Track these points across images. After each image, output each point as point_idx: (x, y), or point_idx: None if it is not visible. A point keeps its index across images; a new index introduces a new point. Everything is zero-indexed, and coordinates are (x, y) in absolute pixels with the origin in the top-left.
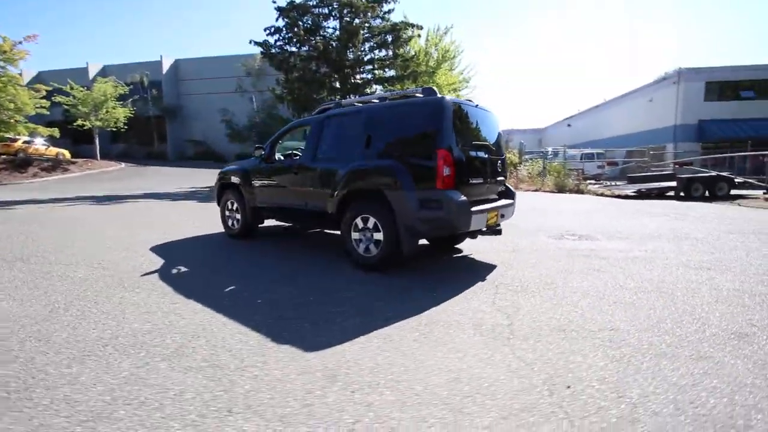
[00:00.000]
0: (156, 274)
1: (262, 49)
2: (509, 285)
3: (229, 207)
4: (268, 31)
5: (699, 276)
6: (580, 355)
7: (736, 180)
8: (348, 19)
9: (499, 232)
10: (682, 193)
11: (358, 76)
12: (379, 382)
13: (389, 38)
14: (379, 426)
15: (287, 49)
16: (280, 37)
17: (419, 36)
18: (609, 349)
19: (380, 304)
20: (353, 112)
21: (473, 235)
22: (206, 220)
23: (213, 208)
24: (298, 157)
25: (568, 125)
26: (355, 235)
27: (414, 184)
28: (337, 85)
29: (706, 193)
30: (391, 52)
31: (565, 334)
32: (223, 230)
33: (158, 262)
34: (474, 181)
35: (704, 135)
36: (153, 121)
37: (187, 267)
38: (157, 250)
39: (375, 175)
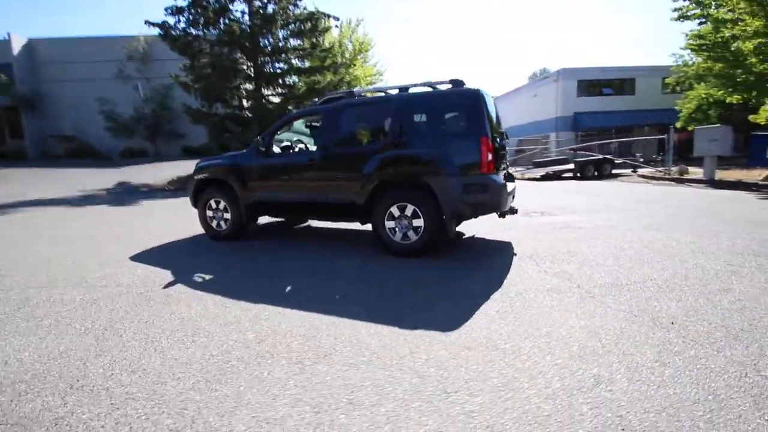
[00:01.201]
0: (177, 285)
1: (161, 31)
2: (539, 256)
3: (213, 206)
4: (168, 11)
5: (661, 234)
6: (655, 300)
7: (616, 161)
8: (258, 2)
9: (515, 211)
10: (578, 174)
11: (277, 65)
12: (528, 345)
13: (306, 27)
14: (570, 371)
15: (192, 32)
16: (183, 18)
17: (337, 27)
18: (666, 294)
19: (457, 285)
20: (380, 101)
21: (503, 214)
22: (155, 226)
23: (151, 212)
24: (306, 148)
25: None
26: (389, 224)
27: (458, 171)
28: (252, 73)
29: (596, 173)
30: (308, 42)
31: (626, 287)
32: (203, 233)
33: (161, 273)
34: (500, 166)
35: (578, 125)
36: (1, 113)
37: (205, 273)
38: (143, 259)
39: (416, 163)
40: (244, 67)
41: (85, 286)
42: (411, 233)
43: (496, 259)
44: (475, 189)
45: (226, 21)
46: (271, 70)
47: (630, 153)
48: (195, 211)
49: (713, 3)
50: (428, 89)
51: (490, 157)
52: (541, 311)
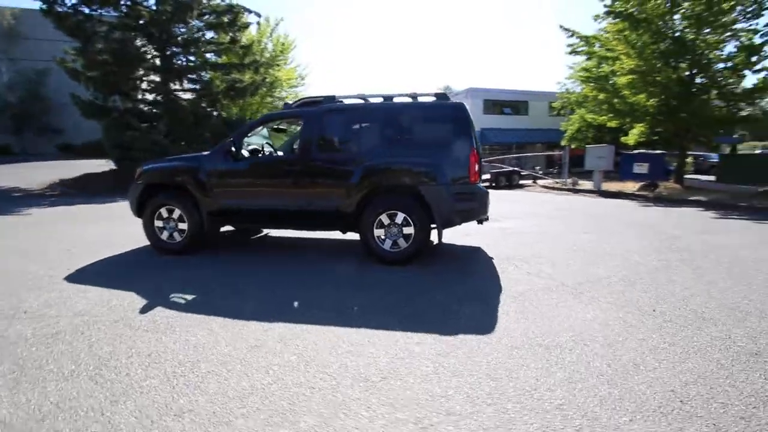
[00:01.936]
0: (157, 309)
1: (43, 5)
2: (514, 259)
3: (164, 215)
4: None
5: (594, 237)
6: (628, 293)
7: (522, 173)
8: None
9: (487, 218)
10: (494, 183)
11: (191, 58)
12: (563, 340)
13: (224, 20)
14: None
15: (85, 11)
16: None
17: (258, 23)
18: (633, 287)
19: (459, 289)
20: (369, 108)
21: (481, 221)
22: (67, 239)
23: (47, 222)
24: (280, 153)
25: None
26: (378, 232)
27: (450, 180)
28: (158, 63)
29: (507, 183)
30: (225, 37)
31: (600, 283)
32: (134, 246)
33: (121, 295)
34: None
35: (485, 139)
36: None
37: (184, 294)
38: (84, 280)
39: (409, 171)
40: (149, 57)
41: (27, 317)
42: (401, 241)
43: (478, 263)
44: (464, 197)
45: (129, 2)
46: (183, 62)
47: (529, 166)
48: (110, 220)
49: (597, 43)
50: (410, 100)
51: (476, 167)
52: (550, 308)
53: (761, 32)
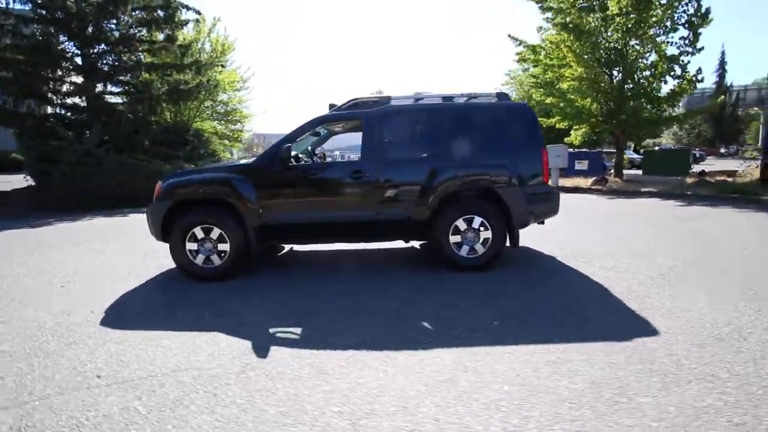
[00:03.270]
0: (274, 350)
1: None
2: (574, 256)
3: (199, 236)
4: None
5: (605, 230)
6: (710, 281)
7: None
8: None
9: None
10: None
11: (124, 57)
12: (726, 331)
13: (160, 16)
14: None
15: None
16: None
17: (198, 20)
18: (705, 274)
19: (554, 291)
20: (435, 110)
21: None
22: (49, 269)
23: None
24: (343, 159)
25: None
26: (454, 239)
27: (525, 181)
28: (81, 63)
29: None
30: (161, 34)
31: (673, 274)
32: (158, 273)
33: (207, 339)
34: None
35: None
36: None
37: (280, 326)
38: (131, 323)
39: (487, 174)
40: (68, 54)
41: (107, 384)
42: (479, 246)
43: (542, 261)
44: (540, 198)
45: None
46: (112, 62)
47: None
48: (70, 246)
49: (543, 51)
50: (467, 99)
51: (548, 167)
52: (670, 300)
53: (676, 44)
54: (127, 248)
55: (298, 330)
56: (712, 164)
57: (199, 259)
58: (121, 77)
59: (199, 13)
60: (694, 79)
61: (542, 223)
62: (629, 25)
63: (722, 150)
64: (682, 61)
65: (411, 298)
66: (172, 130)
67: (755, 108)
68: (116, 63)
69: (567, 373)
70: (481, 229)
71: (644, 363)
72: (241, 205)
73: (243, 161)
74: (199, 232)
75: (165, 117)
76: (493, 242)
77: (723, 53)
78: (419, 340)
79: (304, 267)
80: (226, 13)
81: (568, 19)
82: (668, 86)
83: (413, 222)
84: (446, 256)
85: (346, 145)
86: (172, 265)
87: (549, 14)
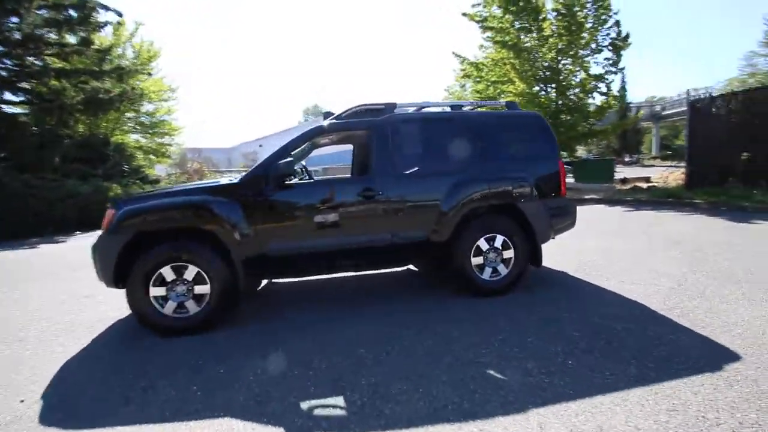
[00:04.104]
0: None
1: None
2: (578, 268)
3: (168, 278)
4: None
5: (584, 238)
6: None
7: None
8: None
9: None
10: None
11: (27, 61)
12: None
13: (74, 16)
14: None
15: None
16: None
17: (120, 24)
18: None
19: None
20: (448, 119)
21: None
22: None
23: None
24: (346, 176)
25: (260, 145)
26: (476, 260)
27: (546, 194)
28: None
29: None
30: (74, 38)
31: (691, 283)
32: (108, 327)
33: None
34: None
35: None
36: None
37: (317, 398)
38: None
39: (510, 188)
40: None
41: None
42: (501, 267)
43: (553, 277)
44: (560, 212)
45: None
46: (12, 66)
47: None
48: None
49: (485, 68)
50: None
51: (565, 179)
52: (713, 315)
53: (602, 64)
54: (51, 291)
55: (340, 401)
56: (622, 171)
57: (169, 308)
58: (24, 84)
59: (120, 14)
60: (617, 95)
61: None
62: (561, 46)
63: (626, 159)
64: (606, 79)
65: (451, 335)
66: (88, 145)
67: (648, 122)
68: (17, 67)
69: (696, 422)
70: (504, 248)
71: (764, 398)
72: (227, 233)
73: (223, 180)
74: (168, 272)
75: (78, 130)
76: (516, 262)
77: (623, 74)
78: (500, 398)
79: (292, 302)
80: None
81: (507, 38)
82: (596, 101)
83: (432, 244)
84: (467, 281)
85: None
86: (123, 312)
87: (489, 33)
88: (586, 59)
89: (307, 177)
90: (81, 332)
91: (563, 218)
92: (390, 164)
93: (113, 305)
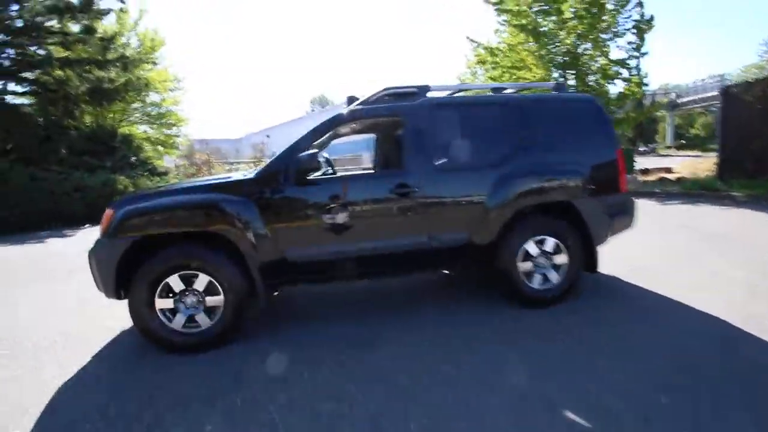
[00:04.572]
0: None
1: None
2: (631, 271)
3: (176, 288)
4: None
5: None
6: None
7: None
8: None
9: None
10: None
11: (29, 51)
12: None
13: (76, 3)
14: None
15: None
16: None
17: (123, 11)
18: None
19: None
20: (492, 103)
21: None
22: None
23: None
24: (380, 170)
25: (267, 136)
26: (524, 266)
27: (604, 190)
28: None
29: None
30: (77, 26)
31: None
32: (111, 339)
33: None
34: None
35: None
36: None
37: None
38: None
39: (564, 183)
40: None
41: None
42: (552, 274)
43: (611, 287)
44: (619, 210)
45: None
46: (15, 55)
47: None
48: None
49: (500, 53)
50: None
51: (624, 171)
52: None
53: (624, 48)
54: (52, 294)
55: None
56: (639, 162)
57: (178, 322)
58: (27, 74)
59: (123, 1)
60: (640, 81)
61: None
62: (581, 30)
63: (641, 148)
64: (629, 65)
65: (505, 358)
66: (95, 137)
67: (662, 111)
68: (19, 57)
69: None
70: (555, 252)
71: None
72: (242, 237)
73: (235, 175)
74: (175, 282)
75: (85, 121)
76: (570, 268)
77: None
78: None
79: (312, 312)
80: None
81: (524, 21)
82: (618, 88)
83: (474, 247)
84: (514, 289)
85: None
86: (126, 321)
87: (505, 16)
88: (607, 43)
89: (330, 170)
90: (79, 346)
91: (622, 218)
92: (427, 156)
93: (117, 314)
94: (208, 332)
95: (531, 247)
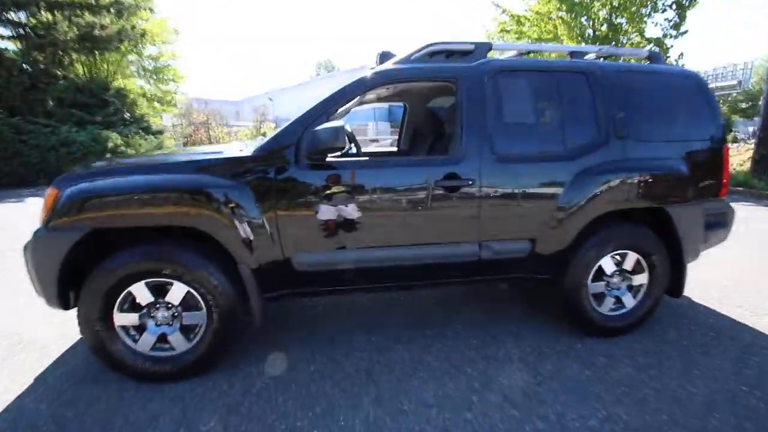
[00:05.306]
0: None
1: None
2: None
3: (143, 301)
4: None
5: None
6: None
7: None
8: None
9: None
10: None
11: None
12: None
13: None
14: None
15: None
16: None
17: None
18: None
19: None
20: (571, 71)
21: None
22: None
23: None
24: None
25: (270, 99)
26: (596, 286)
27: (701, 194)
28: None
29: None
30: None
31: None
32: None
33: None
34: None
35: (393, 116)
36: None
37: None
38: None
39: (658, 182)
40: None
41: None
42: (627, 297)
43: (679, 311)
44: (717, 221)
45: None
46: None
47: None
48: None
49: (527, 23)
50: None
51: (728, 173)
52: None
53: (661, 26)
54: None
55: None
56: None
57: (145, 342)
58: (12, 15)
59: None
60: (675, 63)
61: None
62: (617, 3)
63: None
64: (665, 44)
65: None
66: (86, 89)
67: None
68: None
69: None
70: (635, 270)
71: None
72: (233, 235)
73: (226, 148)
74: (142, 292)
75: (77, 71)
76: (650, 290)
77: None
78: None
79: (317, 327)
80: None
81: None
82: None
83: (539, 259)
84: (577, 312)
85: None
86: None
87: None
88: (645, 19)
89: (352, 148)
90: (33, 356)
91: (718, 230)
92: (486, 138)
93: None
94: (184, 357)
95: (607, 264)
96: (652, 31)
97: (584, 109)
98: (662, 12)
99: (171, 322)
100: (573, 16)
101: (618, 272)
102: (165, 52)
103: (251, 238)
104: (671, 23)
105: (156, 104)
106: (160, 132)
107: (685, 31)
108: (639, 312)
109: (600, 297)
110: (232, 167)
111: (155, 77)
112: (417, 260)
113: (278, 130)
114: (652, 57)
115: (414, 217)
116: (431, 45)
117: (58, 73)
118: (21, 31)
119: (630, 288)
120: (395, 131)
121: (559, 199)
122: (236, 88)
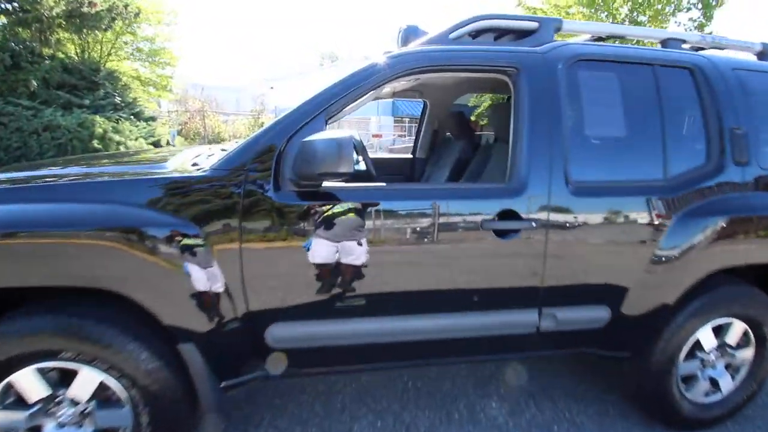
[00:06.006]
0: None
1: None
2: None
3: (33, 396)
4: None
5: None
6: None
7: None
8: None
9: None
10: None
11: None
12: None
13: None
14: None
15: None
16: None
17: None
18: None
19: None
20: (672, 64)
21: None
22: None
23: None
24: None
25: (271, 87)
26: (687, 366)
27: None
28: None
29: None
30: None
31: None
32: None
33: None
34: None
35: (396, 110)
36: None
37: None
38: None
39: None
40: None
41: None
42: (725, 379)
43: None
44: None
45: None
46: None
47: None
48: None
49: (545, 15)
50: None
51: None
52: None
53: (685, 25)
54: None
55: None
56: None
57: None
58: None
59: None
60: None
61: None
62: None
63: None
64: None
65: None
66: (75, 69)
67: None
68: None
69: None
70: (739, 345)
71: None
72: (171, 301)
73: (174, 159)
74: (30, 381)
75: (68, 51)
76: (755, 370)
77: None
78: None
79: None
80: None
81: None
82: None
83: (620, 331)
84: (659, 400)
85: None
86: None
87: None
88: (668, 18)
89: (359, 163)
90: None
91: None
92: (561, 158)
93: None
94: None
95: (706, 337)
96: (674, 30)
97: (691, 120)
98: (686, 11)
99: (80, 423)
100: (593, 11)
101: (724, 348)
102: (161, 33)
103: (200, 304)
104: (696, 23)
105: (151, 89)
106: (153, 119)
107: (710, 33)
108: (737, 399)
109: (691, 379)
110: (177, 191)
111: (150, 60)
112: (452, 333)
113: (251, 137)
114: (763, 54)
115: (450, 273)
116: (477, 19)
117: (44, 51)
118: (7, 6)
119: (729, 367)
120: (398, 126)
121: (656, 248)
122: (236, 76)
